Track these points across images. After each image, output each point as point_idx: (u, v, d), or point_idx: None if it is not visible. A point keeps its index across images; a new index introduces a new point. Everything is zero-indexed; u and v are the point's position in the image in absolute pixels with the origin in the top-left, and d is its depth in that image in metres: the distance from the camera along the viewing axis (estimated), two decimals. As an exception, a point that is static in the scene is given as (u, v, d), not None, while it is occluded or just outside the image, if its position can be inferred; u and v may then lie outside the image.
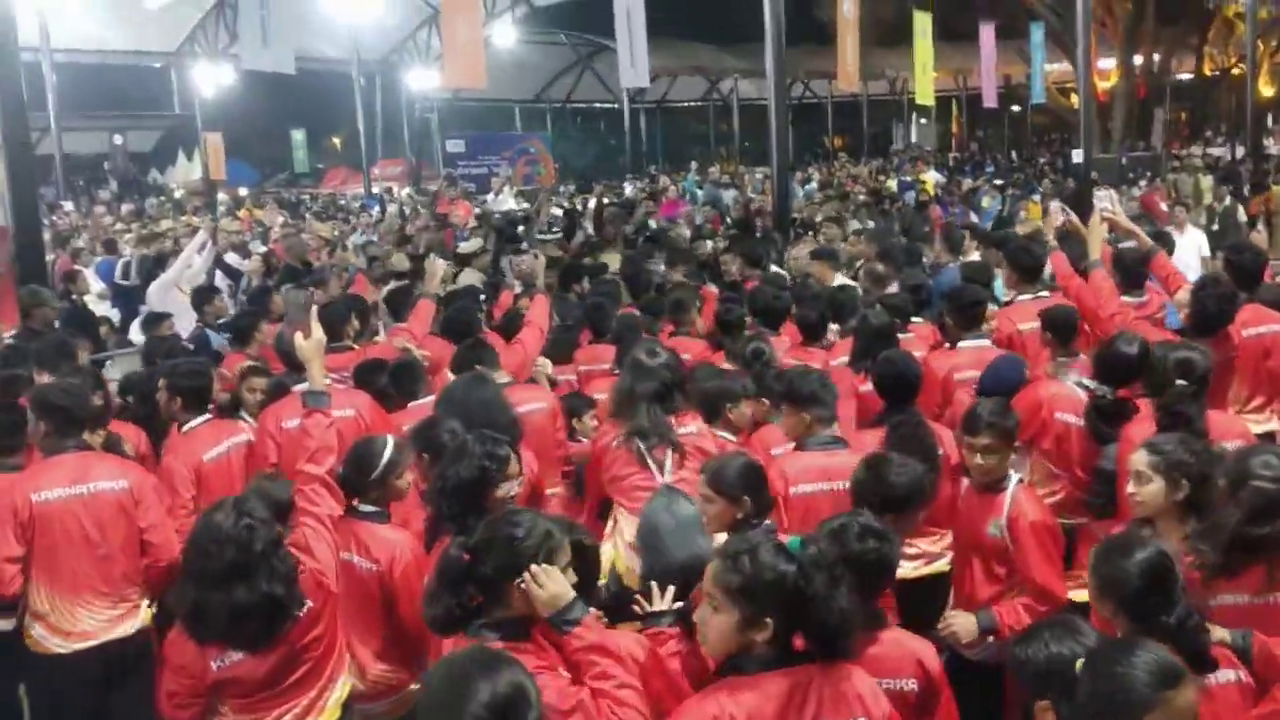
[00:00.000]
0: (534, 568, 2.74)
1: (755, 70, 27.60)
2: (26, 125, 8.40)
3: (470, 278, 9.79)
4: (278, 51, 9.62)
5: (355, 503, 3.91)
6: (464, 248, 11.57)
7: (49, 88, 22.22)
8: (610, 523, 4.27)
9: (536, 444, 4.93)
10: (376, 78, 31.03)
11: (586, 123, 40.33)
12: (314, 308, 5.44)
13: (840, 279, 8.14)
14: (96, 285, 11.11)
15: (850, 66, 17.08)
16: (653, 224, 14.21)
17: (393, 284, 8.74)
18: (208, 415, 5.11)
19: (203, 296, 8.37)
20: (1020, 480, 4.02)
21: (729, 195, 19.50)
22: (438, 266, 7.11)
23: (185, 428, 5.03)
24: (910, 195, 17.70)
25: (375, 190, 26.36)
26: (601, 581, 4.03)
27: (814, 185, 21.30)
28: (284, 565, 3.28)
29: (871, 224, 12.71)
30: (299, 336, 3.97)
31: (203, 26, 29.22)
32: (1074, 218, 6.60)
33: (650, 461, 4.23)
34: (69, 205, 23.77)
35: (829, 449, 4.21)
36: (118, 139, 33.36)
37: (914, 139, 36.31)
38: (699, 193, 20.42)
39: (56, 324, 7.53)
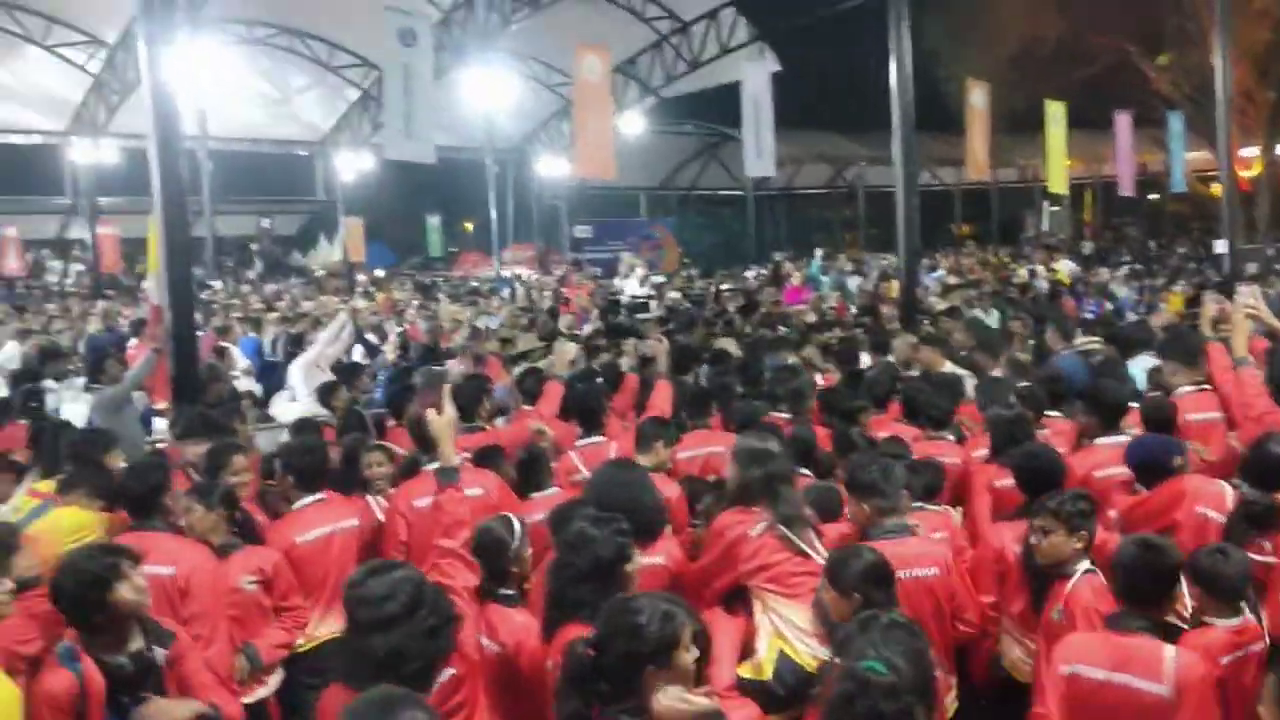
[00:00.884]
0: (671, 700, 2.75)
1: (881, 157, 27.60)
2: (185, 210, 8.90)
3: (571, 351, 10.00)
4: (419, 142, 10.01)
5: (492, 585, 3.93)
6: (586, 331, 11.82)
7: (204, 174, 23.57)
8: (760, 614, 4.18)
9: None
10: (509, 165, 32.04)
11: (710, 209, 40.78)
12: (446, 386, 5.57)
13: (950, 368, 8.03)
14: (242, 362, 11.60)
15: (980, 155, 16.93)
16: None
17: (524, 366, 8.93)
18: (320, 496, 5.12)
19: (349, 374, 8.66)
20: (1090, 569, 4.02)
21: (854, 282, 19.39)
22: (568, 350, 7.26)
23: (294, 507, 5.12)
24: (1040, 284, 17.32)
25: (505, 274, 27.07)
26: (767, 676, 4.03)
27: (941, 273, 21.02)
28: (439, 616, 3.22)
29: (997, 313, 12.49)
30: (431, 413, 4.08)
31: (347, 117, 30.82)
32: (1228, 306, 6.38)
33: (802, 545, 4.18)
34: (217, 284, 25.02)
35: (895, 538, 4.17)
36: (265, 222, 35.13)
37: (1045, 227, 35.56)
38: (824, 279, 20.36)
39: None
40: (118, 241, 28.97)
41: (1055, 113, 19.04)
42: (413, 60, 10.09)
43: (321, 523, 5.02)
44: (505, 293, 21.39)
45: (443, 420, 4.04)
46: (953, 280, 18.17)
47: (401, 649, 3.03)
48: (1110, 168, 27.74)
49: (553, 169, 31.98)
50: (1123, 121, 22.32)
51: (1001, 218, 38.68)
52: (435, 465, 4.26)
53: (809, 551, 4.20)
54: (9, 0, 24.42)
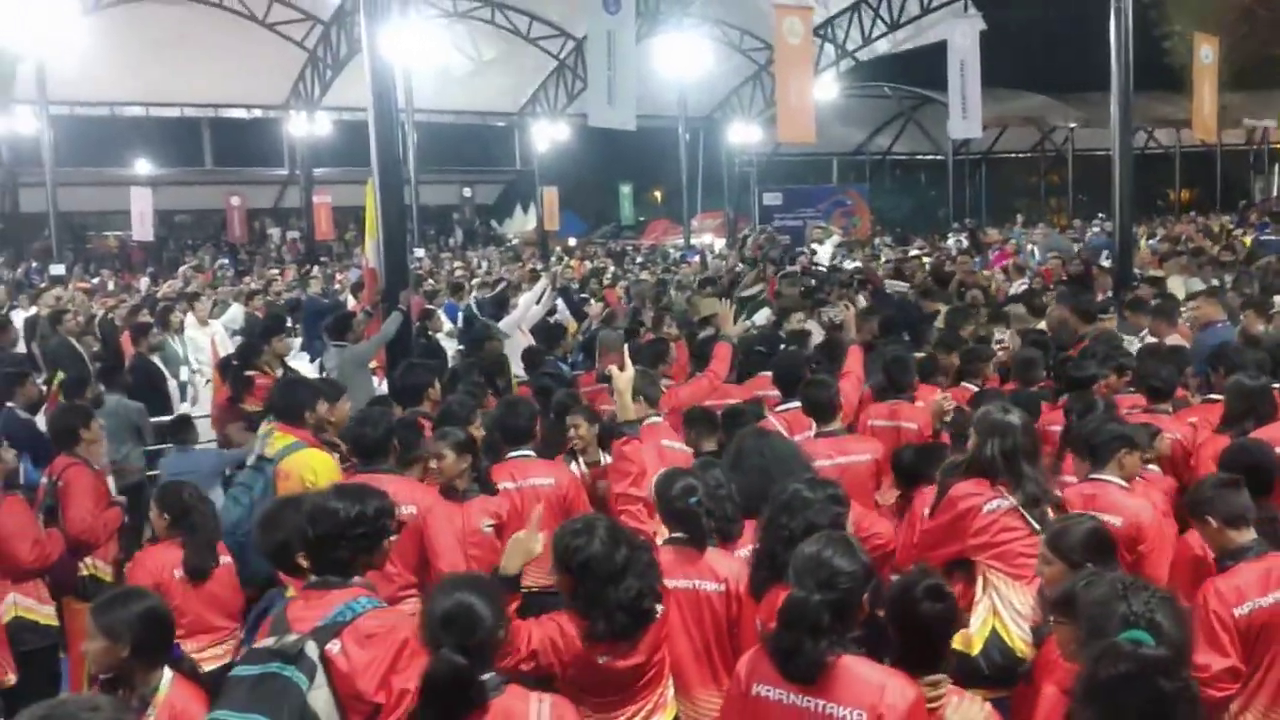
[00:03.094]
0: None
1: (1093, 119, 26.19)
2: (400, 179, 9.31)
3: (761, 318, 9.95)
4: (621, 109, 10.14)
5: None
6: (746, 292, 11.77)
7: (410, 145, 24.55)
8: (980, 590, 4.07)
9: (857, 497, 4.86)
10: (699, 132, 32.03)
11: (906, 174, 39.69)
12: (625, 346, 5.68)
13: (1176, 339, 7.62)
14: (446, 324, 12.07)
15: (1207, 116, 15.84)
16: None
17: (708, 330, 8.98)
18: (526, 452, 5.26)
19: (551, 336, 8.92)
20: None
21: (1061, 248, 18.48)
22: (728, 311, 7.30)
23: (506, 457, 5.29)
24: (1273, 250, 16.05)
25: (694, 242, 27.13)
26: (977, 650, 3.96)
27: (1156, 240, 19.80)
28: (651, 568, 3.49)
29: (1216, 282, 11.67)
30: (614, 369, 4.28)
31: (544, 88, 31.45)
32: None
33: (1039, 527, 4.01)
34: (420, 252, 26.09)
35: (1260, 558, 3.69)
36: (466, 191, 36.36)
37: (1275, 192, 32.97)
38: (1031, 246, 19.51)
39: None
40: (330, 210, 30.62)
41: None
42: (616, 27, 10.21)
43: (516, 478, 5.14)
44: (694, 259, 21.44)
45: (624, 376, 4.24)
46: (1165, 248, 17.07)
47: (640, 590, 3.36)
48: (1353, 127, 25.49)
49: (743, 135, 31.77)
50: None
51: (1225, 182, 36.07)
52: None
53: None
54: (235, -18, 26.02)
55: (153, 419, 8.40)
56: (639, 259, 25.01)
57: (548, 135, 31.03)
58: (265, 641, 3.07)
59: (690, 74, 24.44)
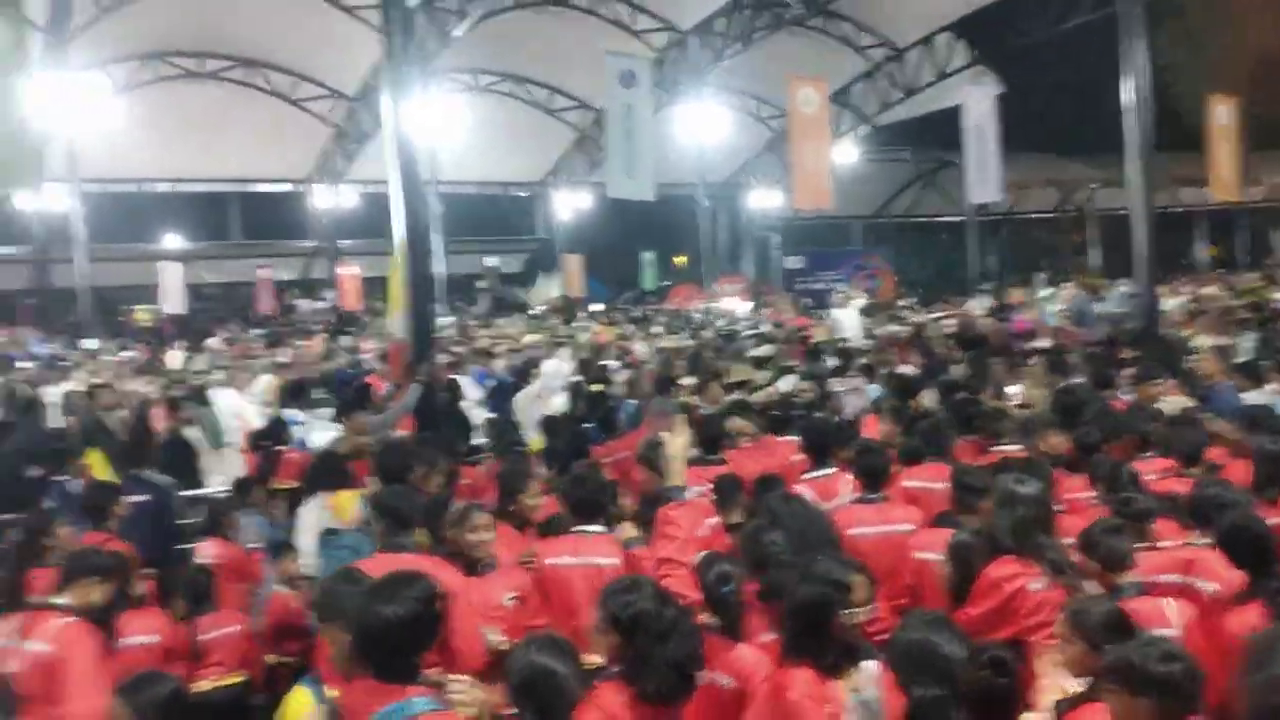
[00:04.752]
0: None
1: (1114, 179, 26.23)
2: (425, 251, 9.45)
3: (787, 384, 9.95)
4: (640, 181, 10.30)
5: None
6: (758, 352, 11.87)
7: (433, 217, 24.86)
8: (1041, 668, 4.00)
9: (899, 566, 4.82)
10: (720, 199, 32.33)
11: (927, 236, 39.80)
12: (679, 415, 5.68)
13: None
14: (474, 392, 12.13)
15: (1227, 174, 15.85)
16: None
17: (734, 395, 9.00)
18: (591, 528, 5.03)
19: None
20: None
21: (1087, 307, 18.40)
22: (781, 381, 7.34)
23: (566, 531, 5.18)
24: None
25: (713, 306, 27.20)
26: None
27: (1182, 300, 19.71)
28: (696, 634, 3.51)
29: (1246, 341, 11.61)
30: (667, 435, 4.29)
31: (565, 158, 31.93)
32: None
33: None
34: (446, 320, 26.25)
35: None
36: (489, 261, 36.71)
37: (1300, 248, 32.81)
38: (1052, 308, 19.46)
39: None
40: (358, 280, 30.99)
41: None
42: (633, 101, 10.40)
43: (579, 553, 4.96)
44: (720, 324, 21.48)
45: (678, 443, 4.26)
46: (1194, 307, 17.00)
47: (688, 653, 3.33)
48: (1377, 182, 25.42)
49: (763, 201, 32.04)
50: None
51: (1247, 240, 35.96)
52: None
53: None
54: (263, 60, 26.66)
55: (184, 493, 8.46)
56: (661, 323, 25.07)
57: (570, 204, 31.43)
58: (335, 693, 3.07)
59: (709, 141, 24.78)
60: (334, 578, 3.91)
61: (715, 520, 5.29)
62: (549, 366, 11.03)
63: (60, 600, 4.40)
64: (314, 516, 6.06)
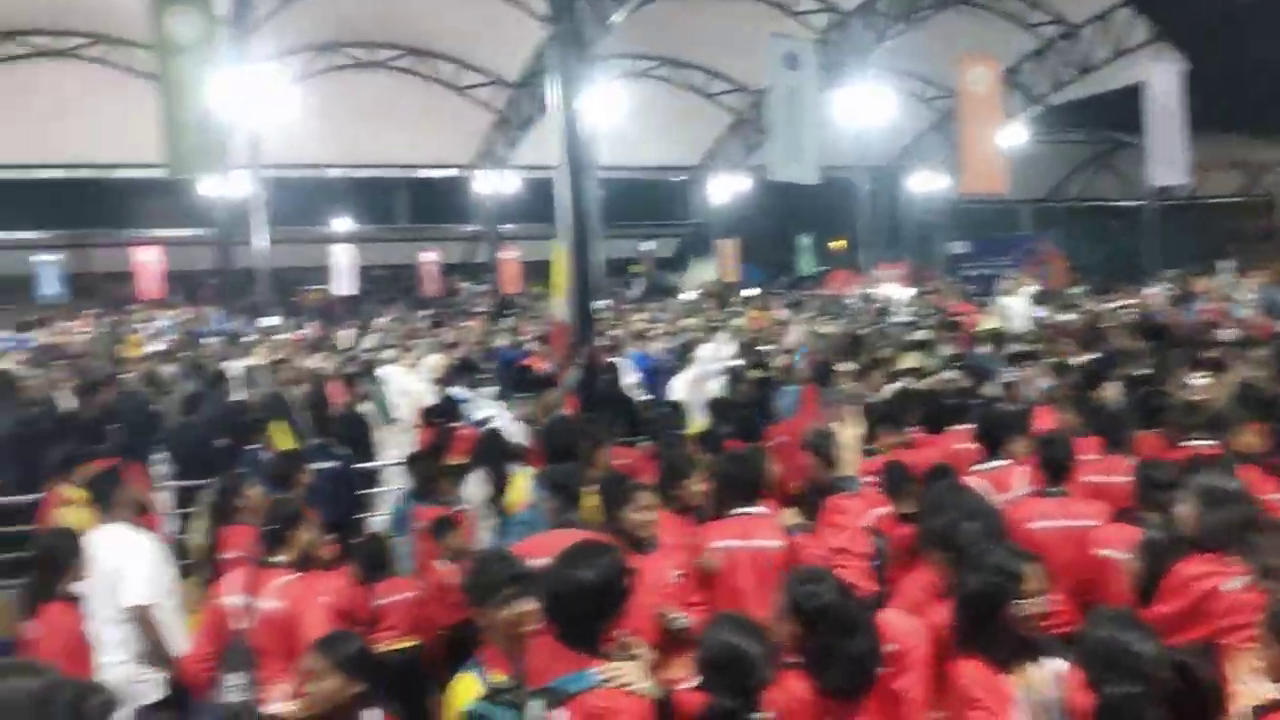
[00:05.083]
0: None
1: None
2: (589, 234, 9.57)
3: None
4: (803, 164, 10.17)
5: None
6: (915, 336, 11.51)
7: (593, 202, 25.12)
8: (1234, 673, 3.80)
9: (1081, 562, 4.63)
10: (880, 182, 31.68)
11: (1098, 221, 38.05)
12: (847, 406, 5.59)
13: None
14: (631, 375, 12.23)
15: None
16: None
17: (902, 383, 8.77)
18: (751, 509, 5.01)
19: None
20: None
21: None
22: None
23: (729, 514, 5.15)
24: None
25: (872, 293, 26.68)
26: None
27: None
28: (875, 629, 3.45)
29: None
30: (838, 426, 4.21)
31: (722, 141, 31.82)
32: None
33: None
34: (602, 304, 26.55)
35: None
36: (644, 245, 36.97)
37: None
38: (1240, 297, 18.35)
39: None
40: (518, 264, 31.67)
41: None
42: (796, 83, 10.27)
43: (746, 536, 4.91)
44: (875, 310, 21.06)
45: (850, 433, 4.19)
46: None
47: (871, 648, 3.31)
48: None
49: (926, 184, 31.23)
50: None
51: None
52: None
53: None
54: (429, 49, 27.44)
55: (357, 465, 8.81)
56: (816, 309, 24.76)
57: (726, 188, 31.31)
58: (499, 679, 3.13)
59: (870, 123, 24.27)
60: (485, 558, 3.94)
61: (884, 510, 5.19)
62: (706, 351, 11.00)
63: (280, 558, 4.78)
64: (480, 492, 6.21)
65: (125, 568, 5.04)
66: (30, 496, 7.94)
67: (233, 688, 4.56)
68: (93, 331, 23.77)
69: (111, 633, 4.83)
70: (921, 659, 3.63)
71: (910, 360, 9.75)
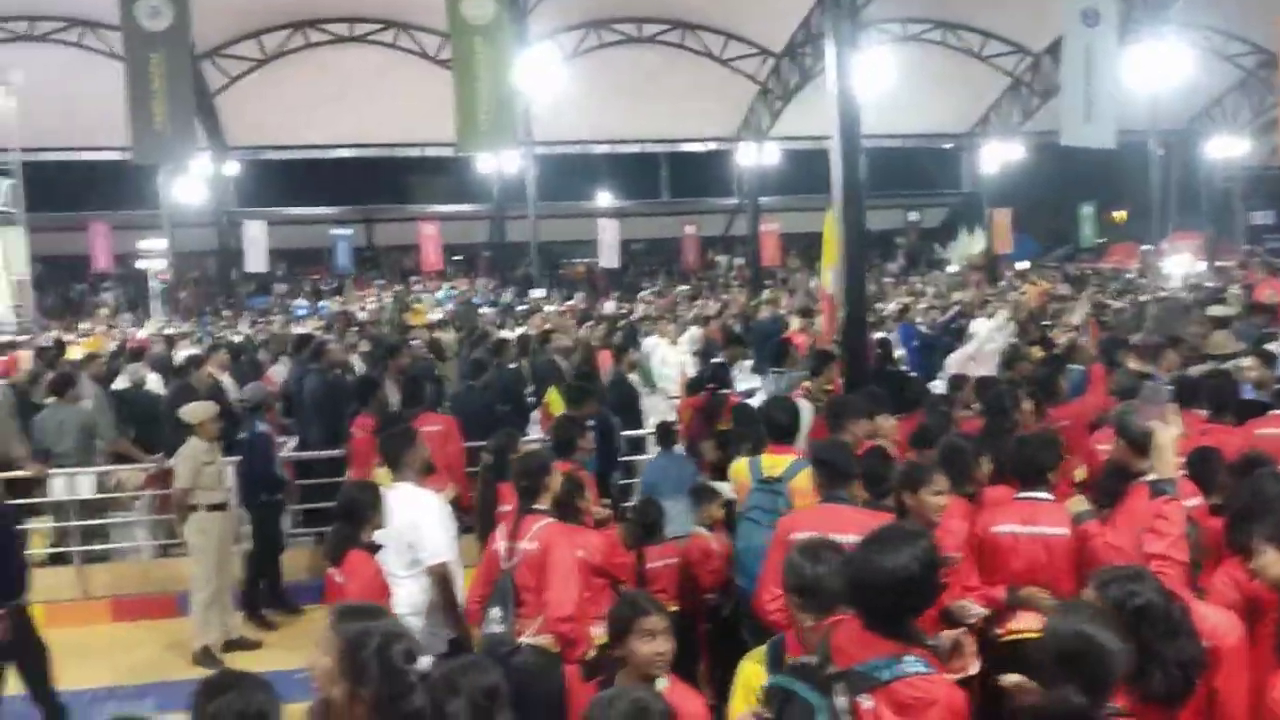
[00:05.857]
0: None
1: None
2: (863, 206, 9.24)
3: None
4: (1100, 128, 9.45)
5: None
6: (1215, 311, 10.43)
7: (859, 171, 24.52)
8: None
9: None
10: (1173, 147, 29.31)
11: None
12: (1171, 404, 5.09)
13: None
14: (898, 350, 11.90)
15: None
16: None
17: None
18: (1043, 495, 4.85)
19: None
20: None
21: None
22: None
23: (1016, 496, 4.94)
24: None
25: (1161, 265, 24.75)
26: None
27: None
28: (1196, 636, 3.25)
29: None
30: (1158, 424, 3.92)
31: (995, 106, 30.30)
32: None
33: None
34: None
35: None
36: (911, 216, 35.89)
37: None
38: None
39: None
40: (777, 236, 31.48)
41: None
42: (1094, 41, 9.54)
43: (1028, 521, 4.72)
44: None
45: (1171, 432, 3.90)
46: None
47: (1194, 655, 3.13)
48: None
49: (1225, 149, 28.59)
50: None
51: None
52: (1151, 477, 4.11)
53: None
54: (696, 22, 27.55)
55: (625, 432, 9.01)
56: (1097, 283, 23.23)
57: (998, 155, 29.85)
58: (804, 658, 3.07)
59: (1165, 83, 22.40)
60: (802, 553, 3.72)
61: (1196, 500, 4.74)
62: (982, 327, 10.50)
63: (538, 506, 5.08)
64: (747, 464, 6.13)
65: (421, 526, 5.32)
66: (335, 451, 8.63)
67: (494, 621, 4.92)
68: (379, 300, 25.60)
69: (399, 586, 5.11)
70: (1241, 657, 3.41)
71: (1218, 344, 8.91)
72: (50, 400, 8.94)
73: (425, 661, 2.83)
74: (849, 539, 4.17)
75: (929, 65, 28.55)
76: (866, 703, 2.85)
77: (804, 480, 5.21)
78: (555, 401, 8.97)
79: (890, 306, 16.09)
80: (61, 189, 28.82)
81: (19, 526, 6.77)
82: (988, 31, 27.68)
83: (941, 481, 4.58)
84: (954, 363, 10.09)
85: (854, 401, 6.40)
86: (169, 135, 9.78)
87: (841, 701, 2.84)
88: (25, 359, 12.62)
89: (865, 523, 4.29)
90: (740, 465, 5.98)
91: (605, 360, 11.13)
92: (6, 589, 6.19)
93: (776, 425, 5.88)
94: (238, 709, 2.59)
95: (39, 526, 8.75)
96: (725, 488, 6.19)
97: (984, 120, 30.99)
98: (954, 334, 11.71)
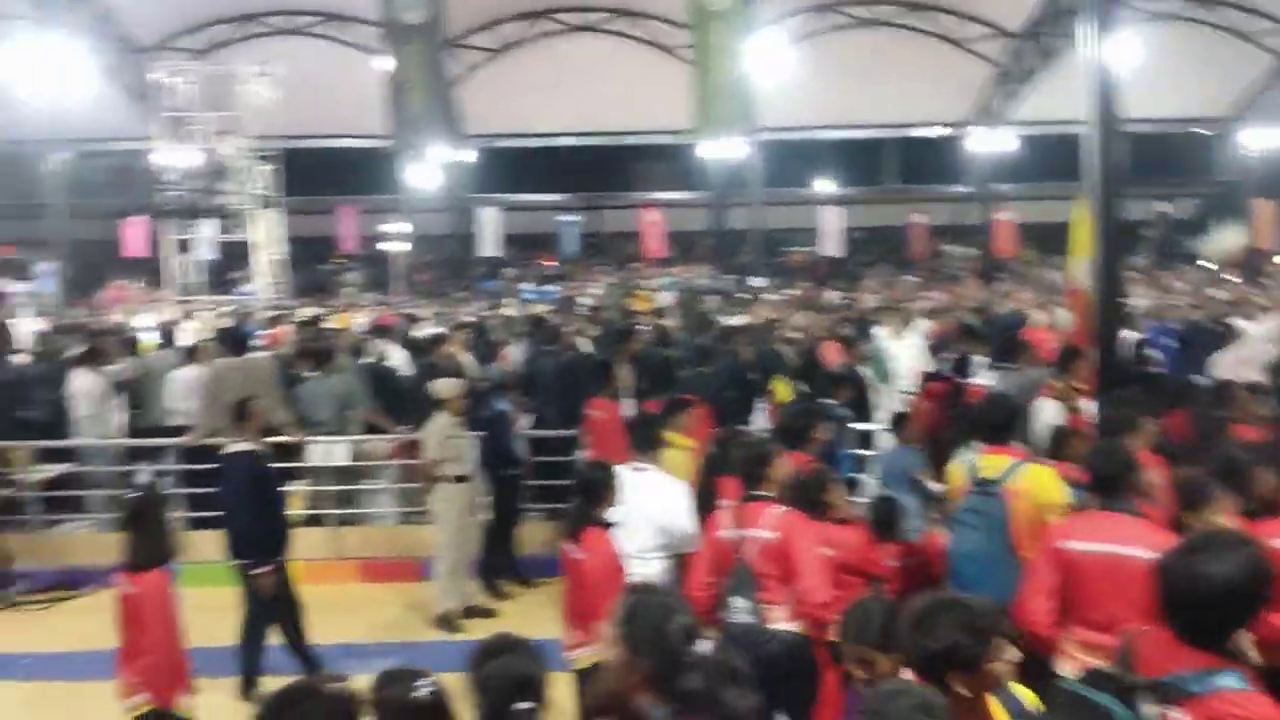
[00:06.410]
0: None
1: None
2: (1118, 195, 8.68)
3: None
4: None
5: None
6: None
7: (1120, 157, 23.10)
8: None
9: None
10: None
11: None
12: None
13: None
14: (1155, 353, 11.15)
15: None
16: None
17: None
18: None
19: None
20: None
21: None
22: None
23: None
24: None
25: None
26: None
27: None
28: None
29: None
30: None
31: (1261, 88, 27.99)
32: None
33: None
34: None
35: None
36: (1162, 206, 33.55)
37: None
38: None
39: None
40: (1012, 226, 30.12)
41: None
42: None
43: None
44: None
45: None
46: None
47: None
48: None
49: None
50: None
51: None
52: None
53: None
54: (930, 2, 26.68)
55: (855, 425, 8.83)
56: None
57: (1265, 141, 27.56)
58: (1103, 666, 2.94)
59: None
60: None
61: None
62: (1255, 329, 9.64)
63: (767, 492, 5.02)
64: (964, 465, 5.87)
65: (676, 513, 5.51)
66: (570, 431, 8.86)
67: (739, 609, 4.88)
68: (604, 286, 26.13)
69: (634, 566, 5.17)
70: None
71: None
72: (311, 373, 9.56)
73: (705, 645, 2.84)
74: (1129, 552, 3.93)
75: (1186, 45, 26.68)
76: (1176, 715, 2.69)
77: (1024, 483, 4.98)
78: (782, 390, 8.88)
79: (1141, 303, 15.09)
80: (312, 174, 30.82)
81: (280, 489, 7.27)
82: (1252, 8, 25.57)
83: (1228, 502, 4.20)
84: (1222, 366, 9.35)
85: (1138, 403, 6.07)
86: (424, 123, 10.21)
87: (1150, 712, 2.67)
88: (289, 333, 13.59)
89: (1150, 538, 4.04)
90: (958, 467, 5.75)
91: (830, 351, 10.92)
92: (274, 545, 6.72)
93: (992, 424, 5.53)
94: (513, 672, 2.69)
95: (298, 489, 9.37)
96: (937, 487, 6.01)
97: (1246, 103, 28.65)
98: (1210, 335, 10.84)
